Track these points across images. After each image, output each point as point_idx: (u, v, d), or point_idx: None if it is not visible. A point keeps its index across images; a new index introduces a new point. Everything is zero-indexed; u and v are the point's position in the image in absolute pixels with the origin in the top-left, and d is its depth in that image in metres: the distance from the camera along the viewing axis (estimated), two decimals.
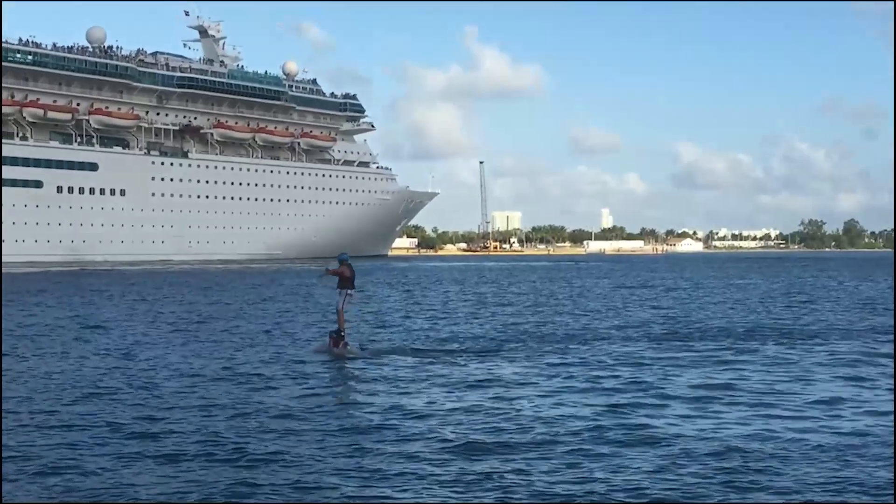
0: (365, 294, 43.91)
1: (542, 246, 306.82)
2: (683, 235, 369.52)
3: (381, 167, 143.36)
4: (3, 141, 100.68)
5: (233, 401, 14.74)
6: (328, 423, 12.96)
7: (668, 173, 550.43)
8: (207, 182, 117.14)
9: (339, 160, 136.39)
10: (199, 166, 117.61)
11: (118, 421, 13.01)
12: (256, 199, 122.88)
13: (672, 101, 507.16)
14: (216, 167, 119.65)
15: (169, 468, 10.56)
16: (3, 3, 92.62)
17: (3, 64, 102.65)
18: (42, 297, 41.39)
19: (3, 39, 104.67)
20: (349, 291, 20.70)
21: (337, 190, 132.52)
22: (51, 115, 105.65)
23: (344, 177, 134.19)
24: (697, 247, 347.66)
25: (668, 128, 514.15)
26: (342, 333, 20.98)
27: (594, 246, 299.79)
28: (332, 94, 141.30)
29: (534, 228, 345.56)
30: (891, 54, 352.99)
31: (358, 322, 27.73)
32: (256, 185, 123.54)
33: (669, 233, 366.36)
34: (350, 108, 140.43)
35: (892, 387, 16.55)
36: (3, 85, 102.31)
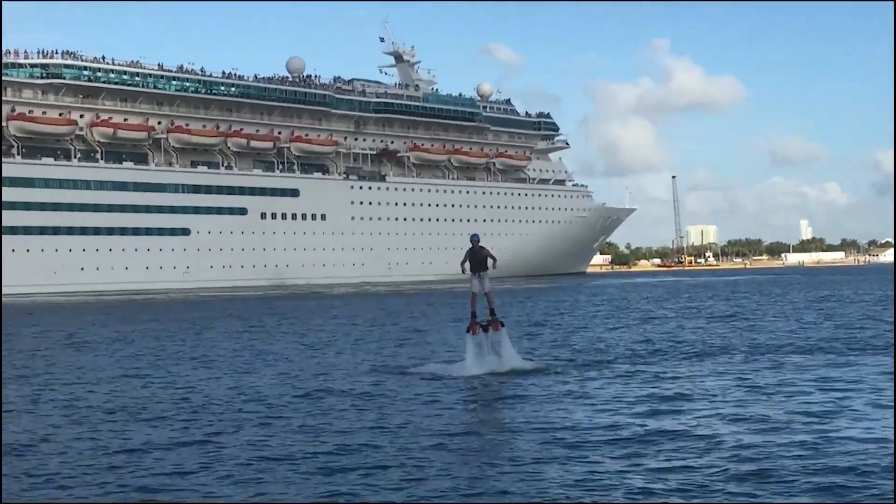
0: (568, 306, 39.15)
1: (738, 259, 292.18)
2: (887, 245, 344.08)
3: (577, 184, 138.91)
4: (212, 171, 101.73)
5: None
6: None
7: (870, 182, 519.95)
8: (405, 204, 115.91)
9: (534, 179, 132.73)
10: (396, 189, 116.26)
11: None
12: (453, 220, 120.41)
13: (872, 107, 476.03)
14: (413, 189, 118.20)
15: None
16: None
17: (210, 96, 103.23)
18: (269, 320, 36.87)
19: (208, 73, 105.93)
20: (480, 274, 19.34)
21: (533, 208, 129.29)
22: (254, 144, 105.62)
23: (540, 195, 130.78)
24: None
25: (868, 136, 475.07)
26: (477, 319, 19.24)
27: (793, 258, 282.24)
28: (527, 114, 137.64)
29: (729, 242, 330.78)
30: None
31: (556, 335, 22.75)
32: (453, 205, 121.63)
33: (872, 243, 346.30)
34: (544, 127, 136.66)
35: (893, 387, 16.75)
36: (210, 116, 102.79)
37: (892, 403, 14.42)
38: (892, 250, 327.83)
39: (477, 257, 19.52)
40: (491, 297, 19.76)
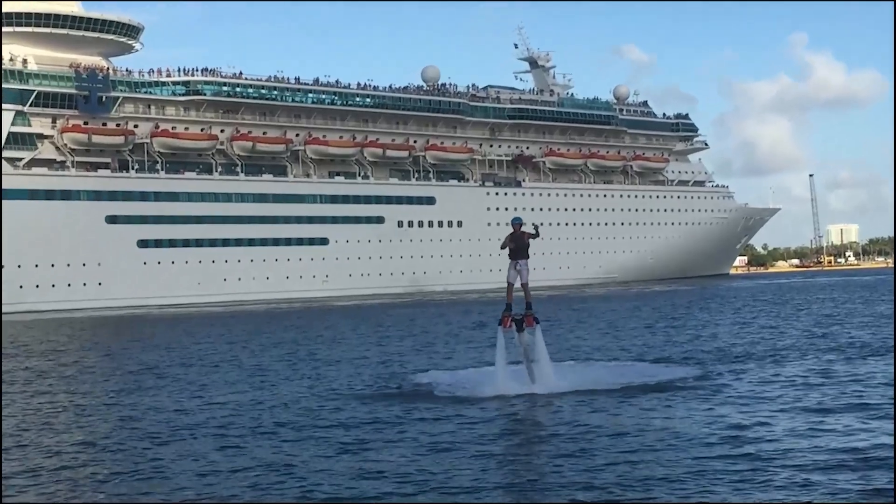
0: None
1: (881, 258, 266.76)
2: None
3: (717, 185, 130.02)
4: (349, 181, 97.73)
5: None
6: None
7: None
8: (541, 209, 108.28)
9: (672, 181, 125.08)
10: (532, 194, 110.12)
11: None
12: (590, 224, 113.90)
13: None
14: (549, 194, 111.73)
15: None
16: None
17: (346, 107, 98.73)
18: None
19: (344, 85, 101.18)
20: (519, 263, 17.43)
21: (672, 211, 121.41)
22: (389, 153, 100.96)
23: (679, 197, 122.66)
24: None
25: None
26: (511, 312, 17.27)
27: None
28: (664, 115, 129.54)
29: (871, 241, 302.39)
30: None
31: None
32: (590, 209, 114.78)
33: None
34: (683, 129, 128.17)
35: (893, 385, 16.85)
36: (346, 127, 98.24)
37: (893, 404, 14.64)
38: None
39: (519, 244, 17.72)
40: (528, 289, 17.93)
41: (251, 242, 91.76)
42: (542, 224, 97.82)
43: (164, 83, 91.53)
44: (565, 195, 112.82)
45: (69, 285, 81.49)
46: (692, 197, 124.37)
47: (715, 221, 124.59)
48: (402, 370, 22.69)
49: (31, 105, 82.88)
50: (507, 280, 18.00)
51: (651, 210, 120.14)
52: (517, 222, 18.18)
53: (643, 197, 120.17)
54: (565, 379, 18.10)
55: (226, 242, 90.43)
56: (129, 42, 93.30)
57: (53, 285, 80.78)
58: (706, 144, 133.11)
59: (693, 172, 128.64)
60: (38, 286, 79.51)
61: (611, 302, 62.03)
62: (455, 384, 18.81)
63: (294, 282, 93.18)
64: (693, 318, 40.52)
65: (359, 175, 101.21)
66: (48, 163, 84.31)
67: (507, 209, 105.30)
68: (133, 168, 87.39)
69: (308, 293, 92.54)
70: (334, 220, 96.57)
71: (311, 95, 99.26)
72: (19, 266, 78.40)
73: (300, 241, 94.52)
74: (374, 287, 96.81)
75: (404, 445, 12.86)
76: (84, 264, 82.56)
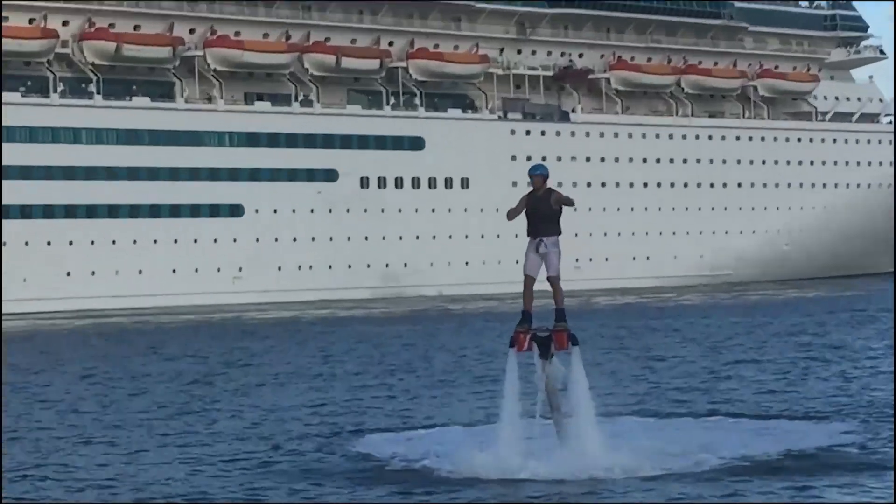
0: None
1: None
2: None
3: None
4: (278, 108, 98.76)
5: None
6: None
7: None
8: (603, 160, 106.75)
9: (825, 113, 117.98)
10: (588, 135, 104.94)
11: None
12: (686, 186, 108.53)
13: None
14: (616, 134, 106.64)
15: None
16: None
17: None
18: None
19: None
20: (545, 242, 16.59)
21: (823, 164, 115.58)
22: (347, 63, 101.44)
23: (835, 141, 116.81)
24: None
25: None
26: (531, 326, 16.75)
27: None
28: (812, 3, 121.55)
29: None
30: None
31: None
32: (685, 161, 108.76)
33: None
34: (843, 25, 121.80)
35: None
36: (273, 19, 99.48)
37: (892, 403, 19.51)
38: None
39: (540, 212, 16.67)
40: (560, 287, 16.73)
41: (108, 212, 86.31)
42: (603, 185, 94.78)
43: None
44: (644, 136, 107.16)
45: None
46: (856, 142, 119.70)
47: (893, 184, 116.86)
48: (341, 430, 21.50)
49: None
50: (525, 272, 17.02)
51: (788, 163, 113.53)
52: (539, 172, 17.15)
53: (775, 140, 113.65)
54: (622, 448, 16.42)
55: (55, 212, 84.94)
56: None
57: None
58: (882, 52, 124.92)
59: (860, 100, 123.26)
60: None
61: (713, 316, 59.28)
62: (428, 454, 17.44)
63: (182, 279, 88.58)
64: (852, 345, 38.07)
65: (296, 99, 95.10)
66: None
67: (544, 158, 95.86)
68: None
69: (207, 298, 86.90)
70: (253, 175, 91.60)
71: None
72: None
73: (194, 212, 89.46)
74: (322, 288, 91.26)
75: None
76: None
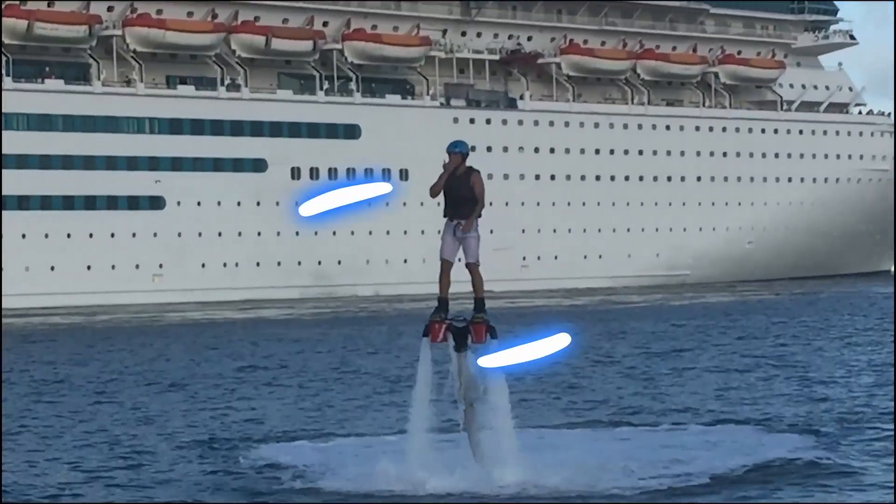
0: None
1: None
2: None
3: (874, 113, 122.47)
4: (203, 93, 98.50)
5: None
6: None
7: None
8: (552, 151, 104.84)
9: (790, 102, 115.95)
10: (535, 123, 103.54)
11: None
12: (641, 179, 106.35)
13: None
14: (567, 123, 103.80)
15: None
16: None
17: None
18: None
19: None
20: (462, 224, 16.99)
21: (789, 157, 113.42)
22: (277, 44, 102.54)
23: (801, 132, 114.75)
24: None
25: None
26: (447, 315, 17.34)
27: None
28: None
29: None
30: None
31: None
32: (640, 152, 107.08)
33: None
34: (810, 7, 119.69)
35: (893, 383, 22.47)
36: None
37: (892, 408, 20.74)
38: None
39: (458, 192, 17.33)
40: (479, 275, 17.40)
41: (17, 203, 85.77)
42: (553, 178, 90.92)
43: None
44: (596, 126, 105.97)
45: None
46: (825, 133, 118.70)
47: (866, 177, 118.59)
48: (241, 437, 22.95)
49: None
50: (441, 255, 17.22)
51: (751, 155, 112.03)
52: (459, 150, 17.22)
53: (738, 131, 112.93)
54: (542, 461, 16.80)
55: None
56: None
57: None
58: (852, 38, 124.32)
59: (828, 88, 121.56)
60: None
61: (662, 321, 58.81)
62: (326, 466, 18.00)
63: (98, 277, 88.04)
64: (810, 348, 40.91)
65: (222, 83, 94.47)
66: None
67: (490, 150, 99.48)
68: None
69: (124, 297, 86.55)
70: (175, 164, 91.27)
71: None
72: None
73: (111, 204, 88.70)
74: (249, 287, 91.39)
75: None
76: None
